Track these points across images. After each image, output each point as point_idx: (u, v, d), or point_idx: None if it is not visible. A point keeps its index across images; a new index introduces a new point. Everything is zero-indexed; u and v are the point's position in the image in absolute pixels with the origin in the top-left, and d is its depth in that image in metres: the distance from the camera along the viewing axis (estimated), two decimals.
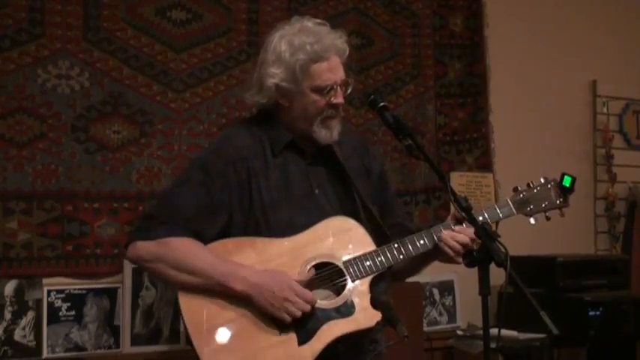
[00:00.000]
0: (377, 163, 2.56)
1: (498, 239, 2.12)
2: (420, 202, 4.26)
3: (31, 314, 3.34)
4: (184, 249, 2.25)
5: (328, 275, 2.29)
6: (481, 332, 2.11)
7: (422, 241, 2.36)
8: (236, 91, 3.80)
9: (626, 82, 4.96)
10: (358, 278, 2.28)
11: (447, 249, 2.34)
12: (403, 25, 4.34)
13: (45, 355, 3.33)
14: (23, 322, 3.32)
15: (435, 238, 2.36)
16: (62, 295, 3.39)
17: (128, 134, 3.58)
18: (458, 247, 2.32)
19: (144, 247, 2.28)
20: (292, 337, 2.20)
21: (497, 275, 2.14)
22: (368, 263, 2.29)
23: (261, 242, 2.28)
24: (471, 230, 2.26)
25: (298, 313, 2.17)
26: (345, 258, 2.29)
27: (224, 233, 2.30)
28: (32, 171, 3.38)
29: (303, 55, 2.28)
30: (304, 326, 2.20)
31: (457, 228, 2.36)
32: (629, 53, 5.05)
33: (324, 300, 2.26)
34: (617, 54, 4.98)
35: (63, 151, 3.44)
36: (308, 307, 2.19)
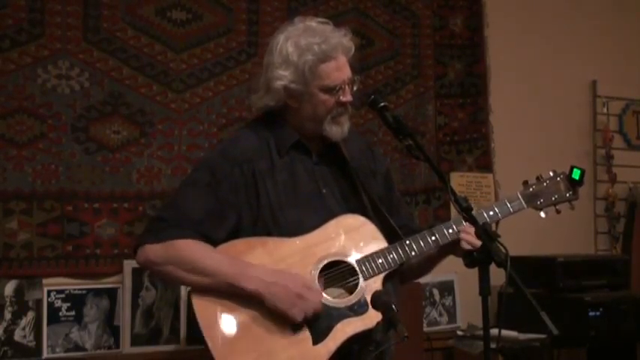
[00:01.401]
0: (382, 164, 2.56)
1: (498, 239, 2.12)
2: (420, 202, 4.26)
3: (31, 314, 3.34)
4: (193, 250, 2.25)
5: (340, 274, 2.29)
6: (481, 332, 2.11)
7: (433, 237, 2.36)
8: (236, 91, 3.80)
9: (626, 82, 4.96)
10: (371, 276, 2.28)
11: (465, 244, 2.31)
12: (403, 25, 4.34)
13: (45, 355, 3.33)
14: (23, 322, 3.32)
15: (447, 234, 2.36)
16: (62, 295, 3.39)
17: (128, 134, 3.58)
18: (476, 241, 2.28)
19: (153, 250, 2.28)
20: (306, 336, 2.20)
21: (498, 275, 2.14)
22: (380, 261, 2.30)
23: (272, 242, 2.28)
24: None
25: (310, 312, 2.17)
26: (357, 256, 2.30)
27: (233, 235, 2.30)
28: (32, 171, 3.37)
29: (311, 55, 2.28)
30: (318, 325, 2.20)
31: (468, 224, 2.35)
32: (629, 53, 5.05)
33: (337, 299, 2.25)
34: (617, 54, 4.98)
35: (63, 151, 3.44)
36: (320, 306, 2.18)
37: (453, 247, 2.38)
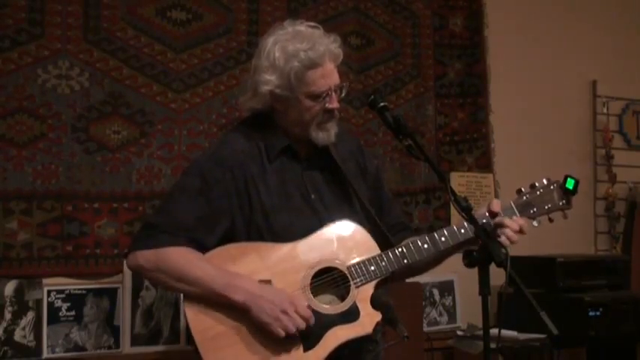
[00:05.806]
0: (372, 163, 2.55)
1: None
2: (420, 202, 4.25)
3: (31, 314, 3.34)
4: (184, 259, 2.24)
5: (332, 280, 2.28)
6: (481, 332, 2.11)
7: (425, 246, 2.35)
8: (236, 91, 3.79)
9: (626, 82, 4.96)
10: (362, 283, 2.27)
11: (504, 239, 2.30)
12: (403, 25, 4.34)
13: (45, 355, 3.33)
14: (23, 322, 3.32)
15: (440, 241, 2.35)
16: (62, 295, 3.39)
17: (128, 134, 3.58)
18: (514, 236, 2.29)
19: (144, 257, 2.27)
20: (297, 343, 2.19)
21: (498, 275, 2.14)
22: (372, 268, 2.29)
23: (264, 247, 2.28)
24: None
25: (292, 329, 2.16)
26: (349, 263, 2.29)
27: (226, 239, 2.30)
28: (32, 171, 3.37)
29: (298, 62, 2.27)
30: (309, 332, 2.19)
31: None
32: (629, 53, 5.05)
33: (328, 305, 2.25)
34: (617, 54, 4.98)
35: (63, 151, 3.44)
36: (304, 325, 2.17)
37: (444, 253, 2.38)
